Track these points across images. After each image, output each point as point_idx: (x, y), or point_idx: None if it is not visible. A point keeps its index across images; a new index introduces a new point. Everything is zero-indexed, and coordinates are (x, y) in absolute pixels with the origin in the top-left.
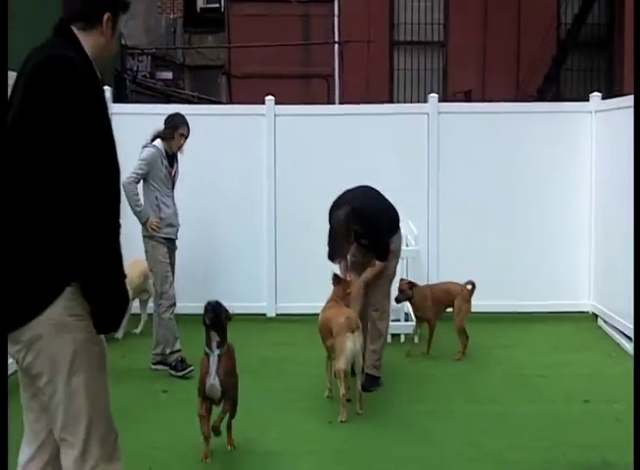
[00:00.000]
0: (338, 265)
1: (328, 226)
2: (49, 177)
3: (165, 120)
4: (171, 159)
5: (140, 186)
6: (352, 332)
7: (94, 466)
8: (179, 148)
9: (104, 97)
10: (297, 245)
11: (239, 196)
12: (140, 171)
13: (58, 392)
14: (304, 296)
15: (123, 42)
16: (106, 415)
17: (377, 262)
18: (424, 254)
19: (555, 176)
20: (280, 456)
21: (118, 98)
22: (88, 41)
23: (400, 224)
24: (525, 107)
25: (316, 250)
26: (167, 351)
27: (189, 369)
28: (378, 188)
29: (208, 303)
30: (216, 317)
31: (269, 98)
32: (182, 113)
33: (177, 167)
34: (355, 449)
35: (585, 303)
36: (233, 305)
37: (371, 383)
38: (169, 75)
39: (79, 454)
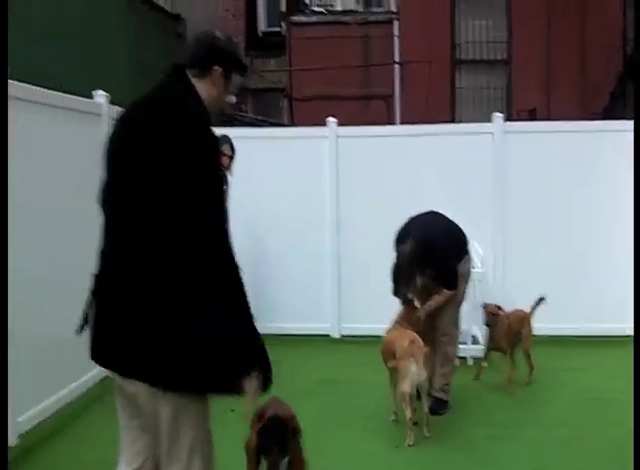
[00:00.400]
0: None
1: (394, 255)
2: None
3: None
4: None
5: None
6: (416, 356)
7: None
8: (224, 167)
9: (217, 146)
10: (361, 265)
11: (301, 217)
12: None
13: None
14: (369, 317)
15: None
16: (208, 435)
17: (444, 291)
18: (490, 275)
19: (626, 195)
20: None
21: None
22: (201, 89)
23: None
24: (592, 125)
25: (379, 271)
26: None
27: None
28: (442, 210)
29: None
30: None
31: (331, 120)
32: (247, 136)
33: (226, 189)
34: None
35: None
36: (296, 327)
37: (439, 406)
38: (233, 99)
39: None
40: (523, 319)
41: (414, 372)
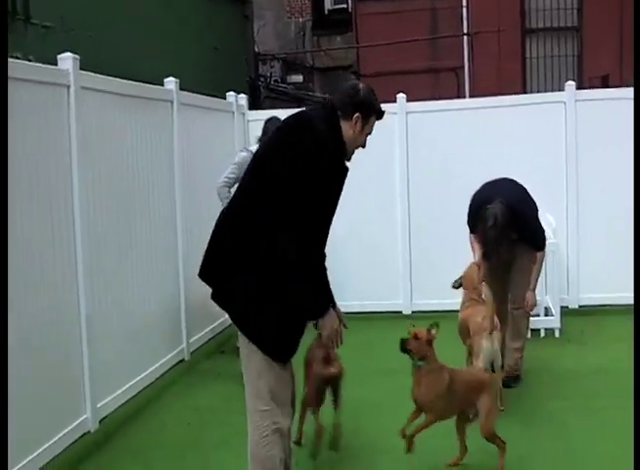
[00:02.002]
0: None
1: (468, 212)
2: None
3: (263, 127)
4: None
5: None
6: (490, 332)
7: None
8: None
9: (345, 175)
10: (432, 242)
11: (372, 195)
12: (232, 175)
13: None
14: (439, 293)
15: (256, 49)
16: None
17: (537, 255)
18: (563, 247)
19: None
20: (424, 447)
21: (253, 105)
22: (344, 128)
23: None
24: None
25: (450, 247)
26: None
27: None
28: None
29: None
30: None
31: (401, 96)
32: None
33: None
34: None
35: None
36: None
37: (513, 380)
38: (300, 79)
39: None
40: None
41: (487, 348)
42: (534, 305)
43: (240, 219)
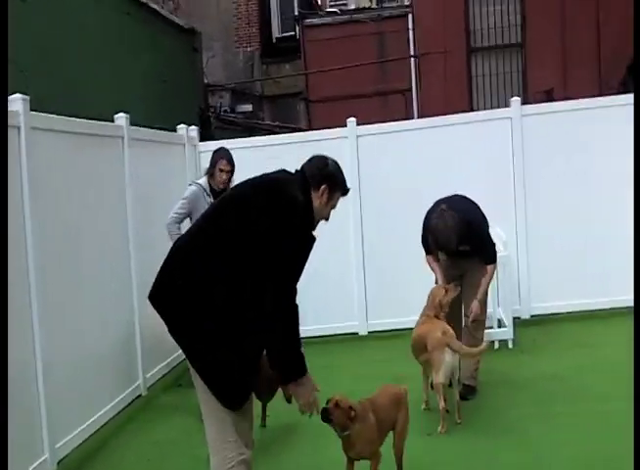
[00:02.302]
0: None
1: (422, 232)
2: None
3: (211, 155)
4: (219, 195)
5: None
6: (451, 345)
7: None
8: (224, 183)
9: (312, 245)
10: (385, 261)
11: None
12: (181, 211)
13: None
14: (395, 312)
15: (205, 80)
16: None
17: (488, 268)
18: (514, 259)
19: None
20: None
21: (204, 136)
22: (313, 197)
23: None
24: (608, 101)
25: (404, 266)
26: None
27: None
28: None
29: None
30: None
31: (351, 120)
32: (264, 144)
33: None
34: (457, 461)
35: None
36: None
37: (469, 392)
38: (249, 108)
39: None
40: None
41: (449, 362)
42: (478, 313)
43: (191, 260)
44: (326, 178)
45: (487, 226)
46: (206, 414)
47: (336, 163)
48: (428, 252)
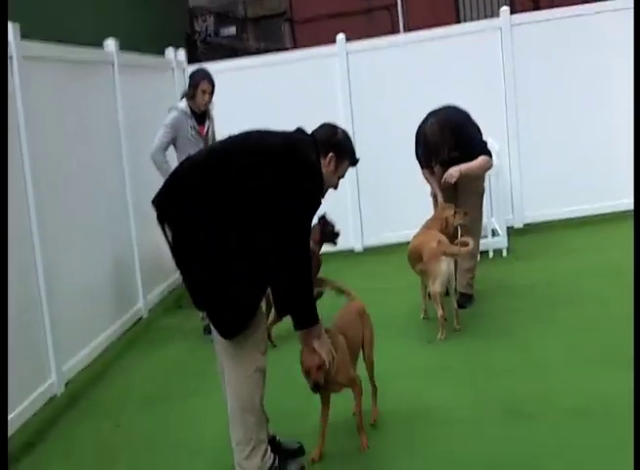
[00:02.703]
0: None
1: (415, 147)
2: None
3: (189, 78)
4: (201, 117)
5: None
6: (447, 253)
7: None
8: (205, 105)
9: (320, 202)
10: (379, 177)
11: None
12: (165, 139)
13: None
14: (389, 228)
15: (190, 5)
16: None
17: (480, 157)
18: (506, 169)
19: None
20: (384, 376)
21: (191, 60)
22: (322, 164)
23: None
24: (595, 7)
25: (396, 183)
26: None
27: None
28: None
29: None
30: None
31: (340, 37)
32: (252, 65)
33: (210, 125)
34: (458, 365)
35: None
36: None
37: (466, 300)
38: (233, 31)
39: None
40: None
41: (445, 272)
42: (449, 177)
43: (182, 200)
44: (334, 146)
45: (478, 132)
46: None
47: (345, 132)
48: (423, 166)
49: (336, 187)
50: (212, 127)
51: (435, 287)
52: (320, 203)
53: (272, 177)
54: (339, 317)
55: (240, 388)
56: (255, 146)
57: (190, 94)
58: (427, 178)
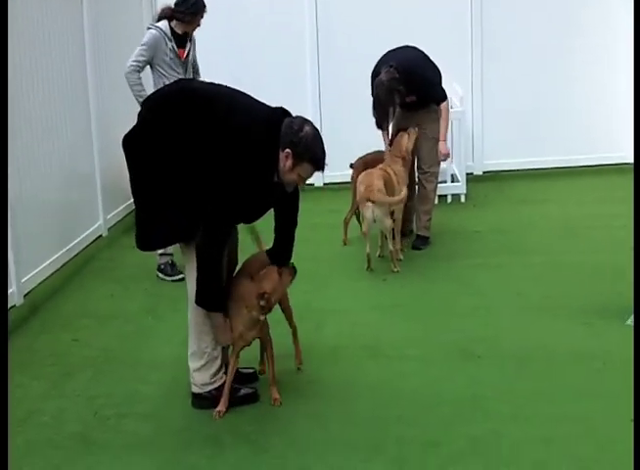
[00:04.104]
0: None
1: (371, 93)
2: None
3: (181, 1)
4: (182, 40)
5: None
6: (371, 201)
7: None
8: (192, 31)
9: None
10: (342, 118)
11: (283, 62)
12: (141, 58)
13: None
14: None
15: None
16: None
17: (442, 107)
18: (469, 115)
19: (602, 26)
20: (340, 313)
21: None
22: (280, 157)
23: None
24: None
25: (361, 115)
26: (159, 251)
27: (179, 275)
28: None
29: None
30: None
31: None
32: None
33: (192, 49)
34: (411, 303)
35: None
36: None
37: (422, 242)
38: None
39: None
40: None
41: (368, 217)
42: (447, 154)
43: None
44: (293, 144)
45: (436, 74)
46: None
47: (314, 134)
48: (379, 126)
49: (293, 185)
50: (194, 51)
51: (364, 228)
52: (249, 189)
53: (222, 149)
54: (246, 267)
55: None
56: (225, 117)
57: (188, 20)
58: (384, 140)
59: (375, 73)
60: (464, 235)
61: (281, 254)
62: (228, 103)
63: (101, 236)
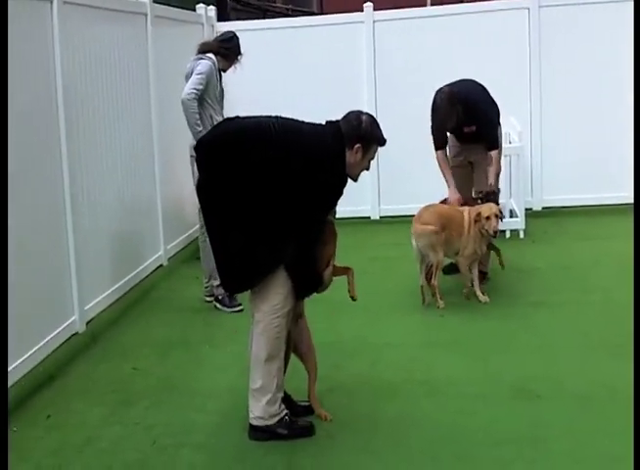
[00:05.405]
0: (446, 183)
1: (431, 121)
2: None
3: (227, 39)
4: (220, 75)
5: None
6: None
7: None
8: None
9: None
10: (399, 149)
11: (340, 104)
12: (200, 87)
13: None
14: (405, 199)
15: None
16: None
17: (493, 155)
18: (527, 150)
19: None
20: (396, 347)
21: (220, 17)
22: (348, 155)
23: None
24: None
25: (418, 152)
26: (215, 283)
27: (237, 307)
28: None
29: None
30: None
31: (367, 4)
32: (280, 26)
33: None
34: (469, 340)
35: None
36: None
37: (481, 278)
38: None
39: None
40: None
41: (414, 247)
42: (492, 183)
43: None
44: (361, 138)
45: (495, 110)
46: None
47: (370, 118)
48: (437, 146)
49: (368, 168)
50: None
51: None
52: (340, 194)
53: (300, 169)
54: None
55: (268, 331)
56: (292, 138)
57: (231, 56)
58: (440, 163)
59: (434, 101)
60: (522, 271)
61: None
62: (287, 129)
63: (161, 266)
